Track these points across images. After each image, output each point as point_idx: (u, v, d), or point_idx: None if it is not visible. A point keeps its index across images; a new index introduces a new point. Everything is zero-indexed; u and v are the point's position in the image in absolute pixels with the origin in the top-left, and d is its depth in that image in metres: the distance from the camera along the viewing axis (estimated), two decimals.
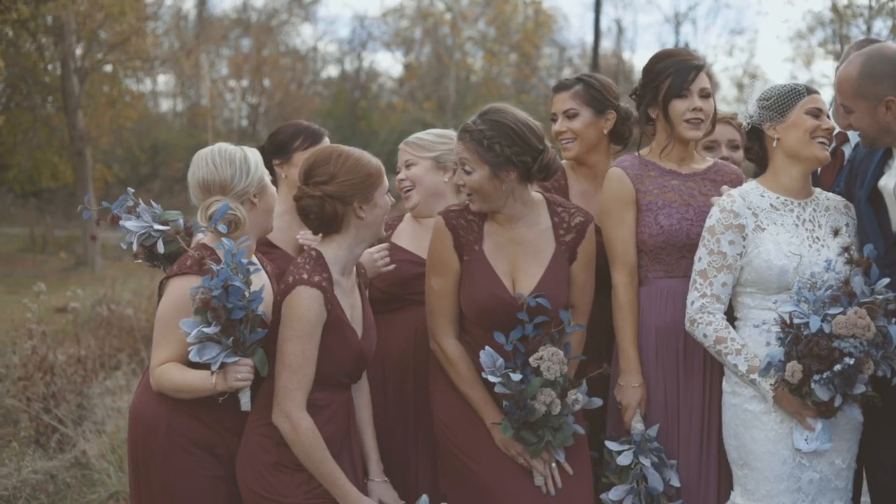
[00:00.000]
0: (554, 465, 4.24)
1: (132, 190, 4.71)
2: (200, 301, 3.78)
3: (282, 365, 3.94)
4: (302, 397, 3.94)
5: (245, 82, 35.25)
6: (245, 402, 3.92)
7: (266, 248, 4.63)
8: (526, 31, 32.88)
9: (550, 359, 4.10)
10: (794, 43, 35.90)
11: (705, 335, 4.16)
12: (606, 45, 39.69)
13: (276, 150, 4.98)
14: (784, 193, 4.24)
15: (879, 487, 4.25)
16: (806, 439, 4.03)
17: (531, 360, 4.14)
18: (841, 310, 3.86)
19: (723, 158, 4.96)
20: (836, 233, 4.18)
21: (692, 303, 4.20)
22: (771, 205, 4.20)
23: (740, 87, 34.08)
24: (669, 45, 42.40)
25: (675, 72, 4.51)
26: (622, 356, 4.47)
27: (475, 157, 4.23)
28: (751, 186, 4.26)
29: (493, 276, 4.30)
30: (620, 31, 42.00)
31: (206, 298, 3.77)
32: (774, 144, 4.22)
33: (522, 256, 4.36)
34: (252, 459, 4.01)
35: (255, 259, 4.26)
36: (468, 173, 4.26)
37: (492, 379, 4.14)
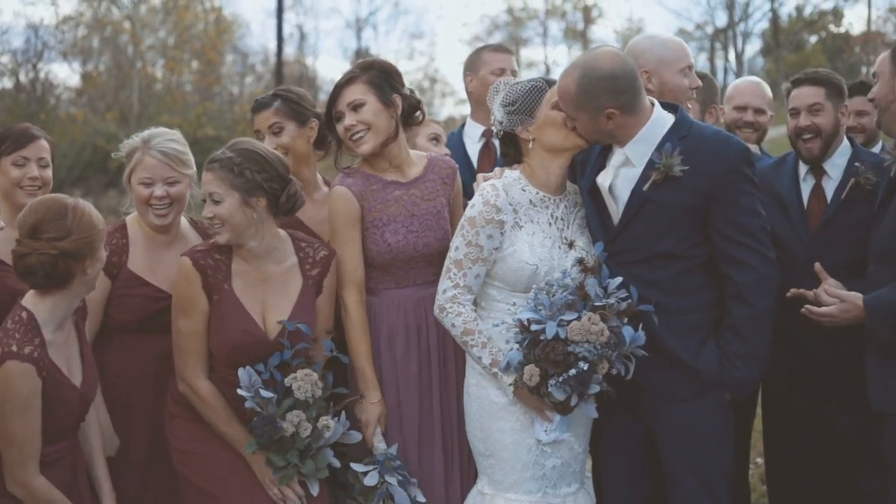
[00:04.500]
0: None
1: None
2: None
3: (7, 442, 3.82)
4: (34, 465, 3.85)
5: None
6: None
7: None
8: (208, 37, 32.63)
9: (303, 379, 4.15)
10: (473, 46, 37.26)
11: (453, 325, 4.22)
12: (289, 51, 39.93)
13: None
14: (542, 189, 4.27)
15: (610, 462, 4.49)
16: (545, 430, 4.16)
17: (286, 380, 4.17)
18: (576, 315, 3.95)
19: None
20: (571, 245, 4.25)
21: (444, 291, 4.24)
22: (530, 200, 4.24)
23: (421, 90, 35.11)
24: (351, 51, 43.22)
25: (329, 100, 4.61)
26: (359, 374, 4.50)
27: (224, 186, 4.22)
28: (514, 178, 4.27)
29: (244, 314, 4.31)
30: (303, 37, 42.35)
31: None
32: (531, 146, 4.25)
33: (271, 293, 4.38)
34: None
35: None
36: (217, 203, 4.23)
37: (243, 394, 4.16)
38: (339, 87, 4.58)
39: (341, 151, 4.70)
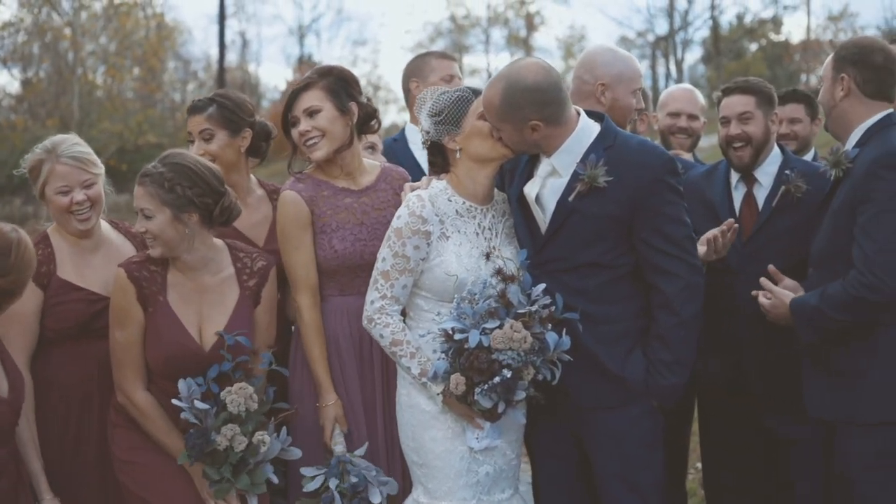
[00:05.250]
0: None
1: None
2: None
3: None
4: None
5: None
6: None
7: None
8: (149, 44, 32.45)
9: (237, 392, 4.13)
10: (416, 53, 37.26)
11: (382, 336, 4.21)
12: (231, 57, 39.84)
13: None
14: (469, 199, 4.27)
15: (542, 467, 4.51)
16: (477, 438, 4.16)
17: (222, 393, 4.16)
18: (498, 323, 3.96)
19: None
20: (487, 256, 4.23)
21: (372, 302, 4.23)
22: (457, 211, 4.24)
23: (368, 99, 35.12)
24: (294, 58, 43.18)
25: (285, 104, 4.62)
26: (314, 377, 4.52)
27: (155, 202, 4.21)
28: (440, 188, 4.28)
29: (179, 327, 4.30)
30: (245, 43, 42.27)
31: None
32: (458, 156, 4.24)
33: (207, 305, 4.37)
34: None
35: None
36: (148, 218, 4.22)
37: (179, 405, 4.15)
38: (297, 93, 4.59)
39: (295, 156, 4.69)
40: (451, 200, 4.26)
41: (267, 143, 4.99)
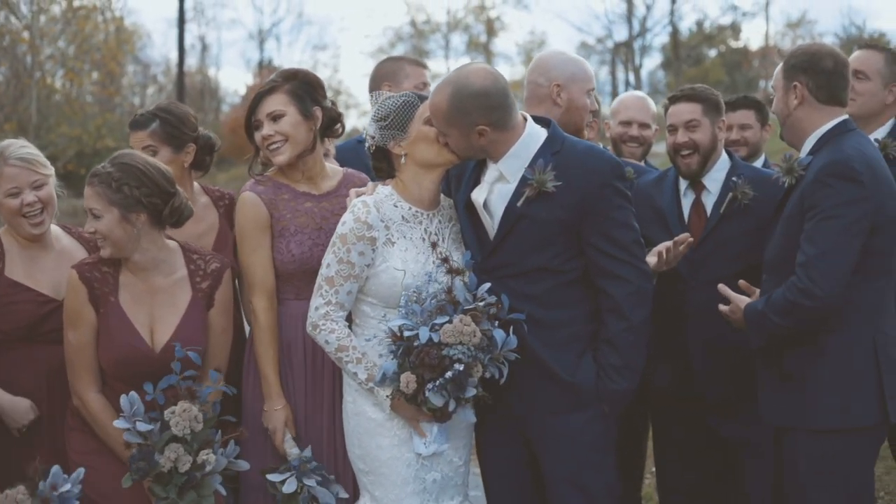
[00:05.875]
0: None
1: None
2: None
3: None
4: None
5: None
6: None
7: None
8: (108, 48, 32.22)
9: (181, 415, 4.08)
10: (376, 57, 37.36)
11: (327, 342, 4.18)
12: (191, 62, 39.67)
13: None
14: (415, 204, 4.25)
15: (490, 466, 4.50)
16: (424, 443, 4.15)
17: (165, 413, 4.11)
18: (447, 319, 3.98)
19: None
20: (434, 246, 4.22)
21: (316, 308, 4.20)
22: (402, 217, 4.22)
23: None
24: (254, 62, 43.10)
25: (249, 107, 4.61)
26: (264, 381, 4.50)
27: (103, 202, 4.20)
28: (386, 193, 4.25)
29: (130, 328, 4.29)
30: (205, 48, 42.12)
31: None
32: (403, 161, 4.23)
33: (159, 306, 4.35)
34: None
35: None
36: (97, 218, 4.22)
37: (119, 425, 4.11)
38: (260, 96, 4.58)
39: (256, 159, 4.67)
40: (396, 206, 4.25)
41: (211, 157, 4.96)
